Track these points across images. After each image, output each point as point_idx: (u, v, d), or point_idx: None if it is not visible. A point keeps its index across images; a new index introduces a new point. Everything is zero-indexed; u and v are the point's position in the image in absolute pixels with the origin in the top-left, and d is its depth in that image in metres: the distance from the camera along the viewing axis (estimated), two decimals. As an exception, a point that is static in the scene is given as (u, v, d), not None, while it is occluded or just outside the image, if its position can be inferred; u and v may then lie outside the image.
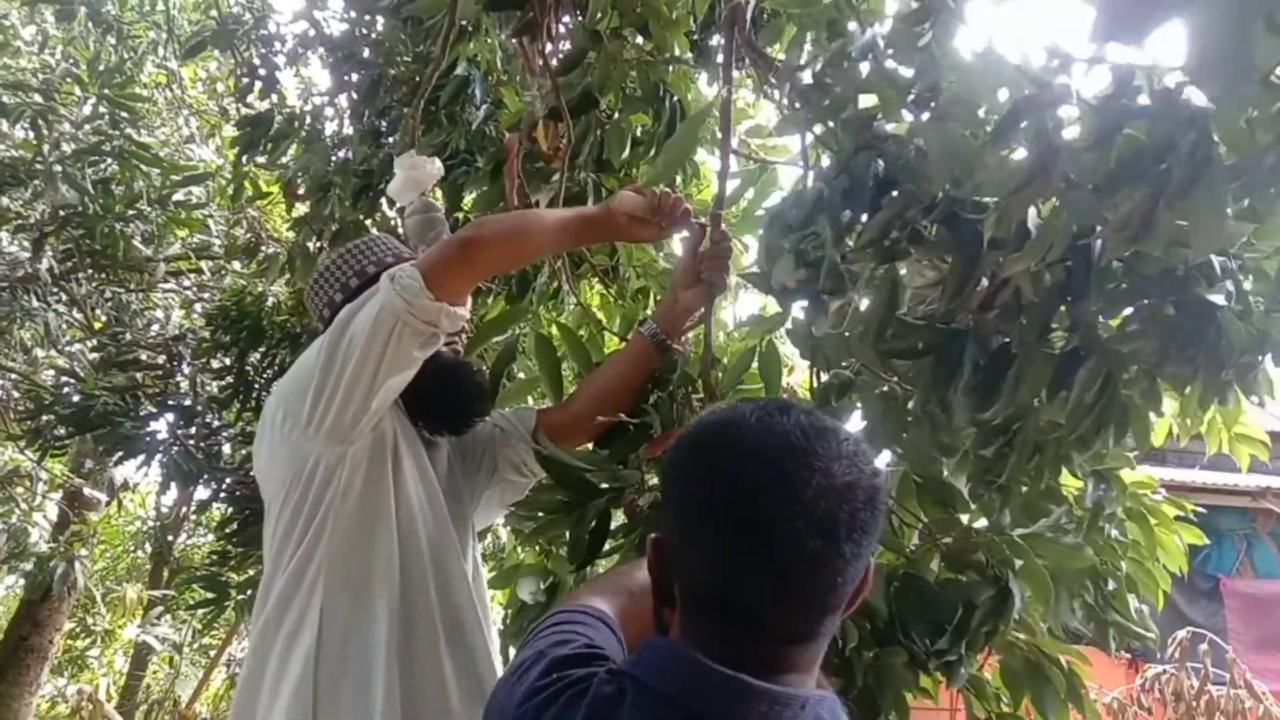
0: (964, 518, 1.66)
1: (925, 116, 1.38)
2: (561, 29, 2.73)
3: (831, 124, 1.53)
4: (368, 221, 4.05)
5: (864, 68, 1.49)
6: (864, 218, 1.40)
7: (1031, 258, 1.16)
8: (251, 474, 5.45)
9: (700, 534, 0.97)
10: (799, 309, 1.56)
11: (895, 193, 1.32)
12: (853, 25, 1.50)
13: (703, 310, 1.99)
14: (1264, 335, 1.35)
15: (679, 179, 2.77)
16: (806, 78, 1.60)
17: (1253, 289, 1.36)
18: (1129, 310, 1.35)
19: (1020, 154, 1.25)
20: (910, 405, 1.49)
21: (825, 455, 0.94)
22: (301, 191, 4.28)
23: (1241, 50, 0.84)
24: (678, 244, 2.72)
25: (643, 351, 1.95)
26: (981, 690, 1.69)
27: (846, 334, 1.50)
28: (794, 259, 1.39)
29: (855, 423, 1.59)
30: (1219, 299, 1.28)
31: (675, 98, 2.37)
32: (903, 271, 1.45)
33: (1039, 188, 1.12)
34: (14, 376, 7.11)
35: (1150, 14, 0.90)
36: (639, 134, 2.62)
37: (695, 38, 2.60)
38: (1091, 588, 1.70)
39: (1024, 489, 1.56)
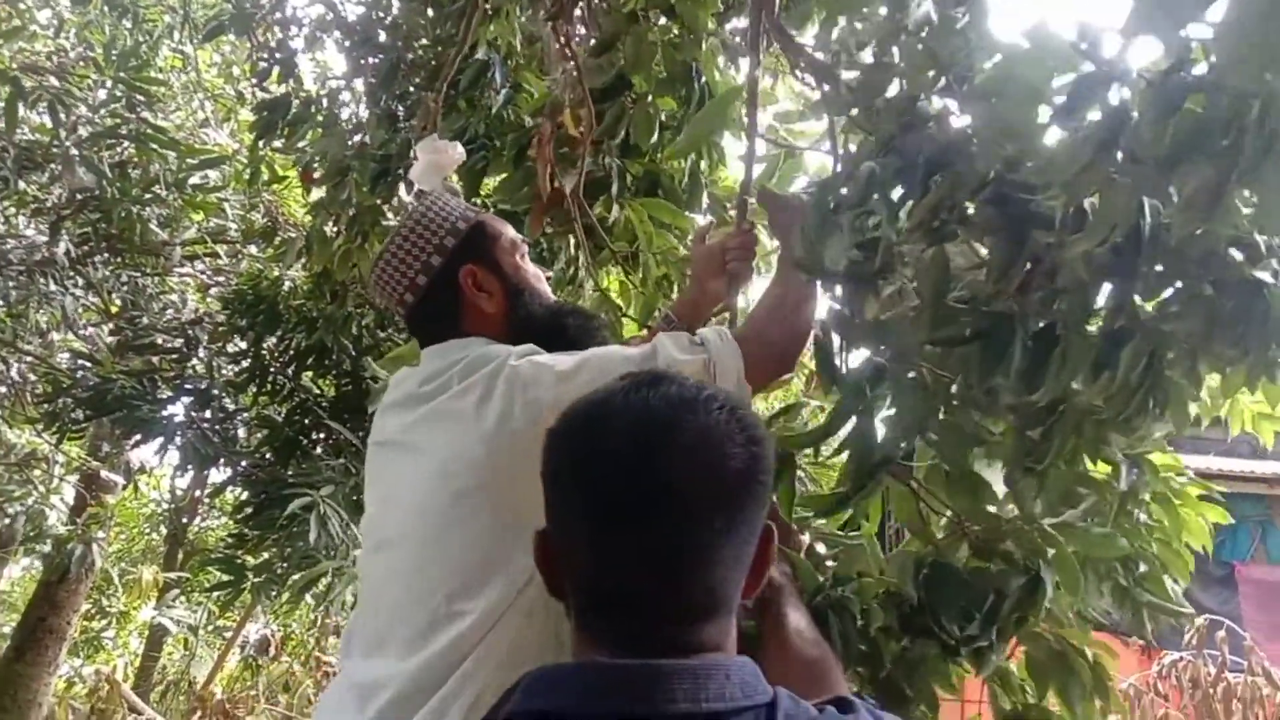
0: (991, 507, 1.65)
1: (966, 97, 1.36)
2: (580, 12, 2.72)
3: (866, 107, 1.51)
4: (385, 207, 4.04)
5: (903, 48, 1.47)
6: (913, 197, 1.38)
7: (1095, 238, 1.15)
8: (267, 457, 5.48)
9: (571, 521, 0.93)
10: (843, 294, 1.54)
11: (944, 173, 1.30)
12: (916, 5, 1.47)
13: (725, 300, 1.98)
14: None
15: (703, 162, 2.76)
16: (859, 58, 1.58)
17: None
18: (1169, 291, 1.33)
19: (1056, 131, 1.24)
20: (953, 390, 1.48)
21: (692, 426, 0.90)
22: (318, 176, 4.27)
23: (1268, 45, 0.83)
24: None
25: None
26: (1007, 682, 1.68)
27: (885, 319, 1.48)
28: (849, 238, 1.37)
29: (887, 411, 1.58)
30: (1266, 276, 1.26)
31: (704, 79, 2.35)
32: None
33: (1105, 164, 1.10)
34: (30, 359, 7.14)
35: (1180, 11, 0.89)
36: (664, 119, 2.61)
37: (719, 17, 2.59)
38: (1122, 570, 1.69)
39: (1058, 474, 1.54)
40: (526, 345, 1.54)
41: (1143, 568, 1.69)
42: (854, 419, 1.55)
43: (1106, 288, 1.31)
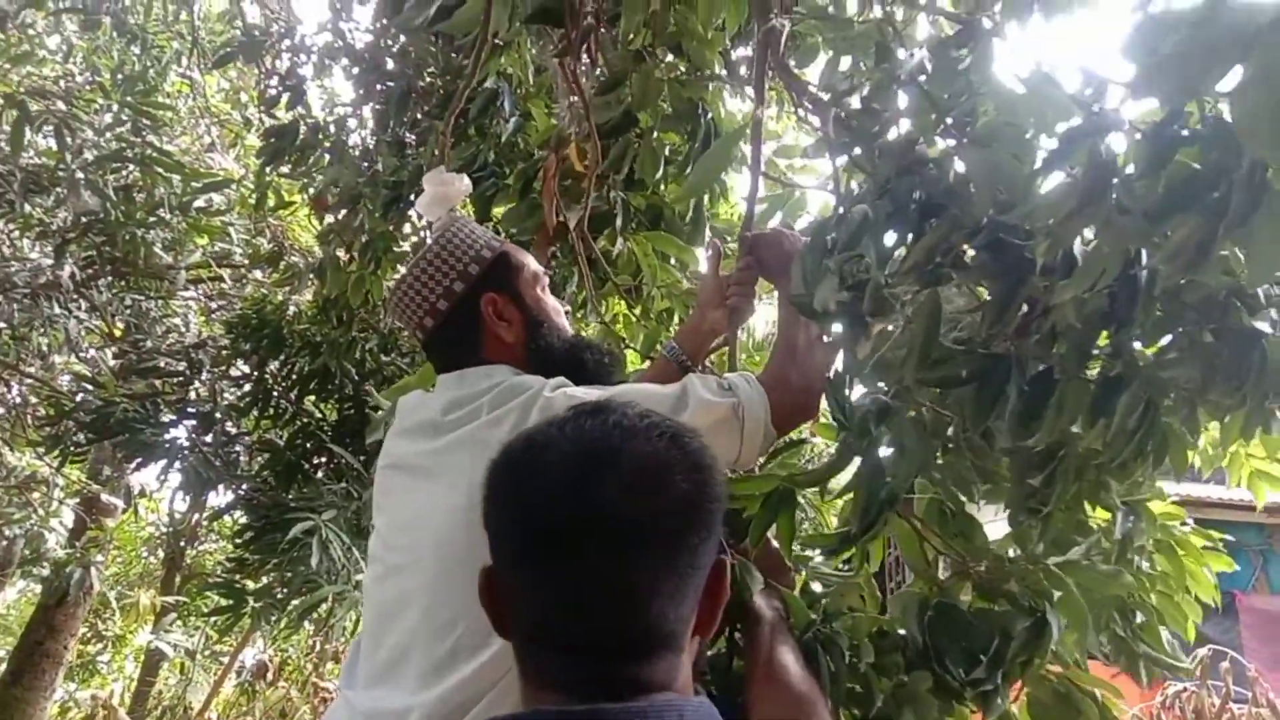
0: (995, 546, 1.65)
1: (965, 142, 1.38)
2: (589, 46, 2.74)
3: (865, 149, 1.53)
4: (396, 233, 4.07)
5: (904, 92, 1.49)
6: (907, 241, 1.39)
7: (1082, 285, 1.16)
8: (269, 481, 5.47)
9: (510, 553, 0.90)
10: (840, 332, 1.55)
11: (940, 217, 1.32)
12: (901, 53, 1.50)
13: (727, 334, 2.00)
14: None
15: (705, 197, 2.79)
16: (846, 102, 1.60)
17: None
18: (1167, 338, 1.34)
19: (1058, 179, 1.25)
20: (950, 432, 1.49)
21: (631, 453, 0.88)
22: (330, 203, 4.30)
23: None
24: (704, 263, 2.74)
25: (668, 375, 1.89)
26: (1009, 724, 1.66)
27: (886, 357, 1.49)
28: (838, 281, 1.38)
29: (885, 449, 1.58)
30: (1264, 326, 1.27)
31: (710, 115, 2.38)
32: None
33: (1092, 213, 1.12)
34: (32, 382, 7.15)
35: (1189, 80, 0.90)
36: (667, 153, 2.64)
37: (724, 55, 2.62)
38: (1120, 619, 1.67)
39: (1061, 519, 1.54)
40: (558, 378, 1.55)
41: (1140, 618, 1.68)
42: (860, 457, 1.55)
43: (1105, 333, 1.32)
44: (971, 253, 1.34)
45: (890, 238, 1.40)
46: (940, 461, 1.52)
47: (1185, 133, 1.11)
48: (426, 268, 1.68)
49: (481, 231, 1.76)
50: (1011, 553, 1.62)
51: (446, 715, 1.29)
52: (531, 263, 1.77)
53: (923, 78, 1.46)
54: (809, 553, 1.74)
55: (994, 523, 1.69)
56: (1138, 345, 1.35)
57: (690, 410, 1.50)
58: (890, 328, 1.48)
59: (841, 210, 1.51)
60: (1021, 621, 1.50)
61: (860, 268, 1.41)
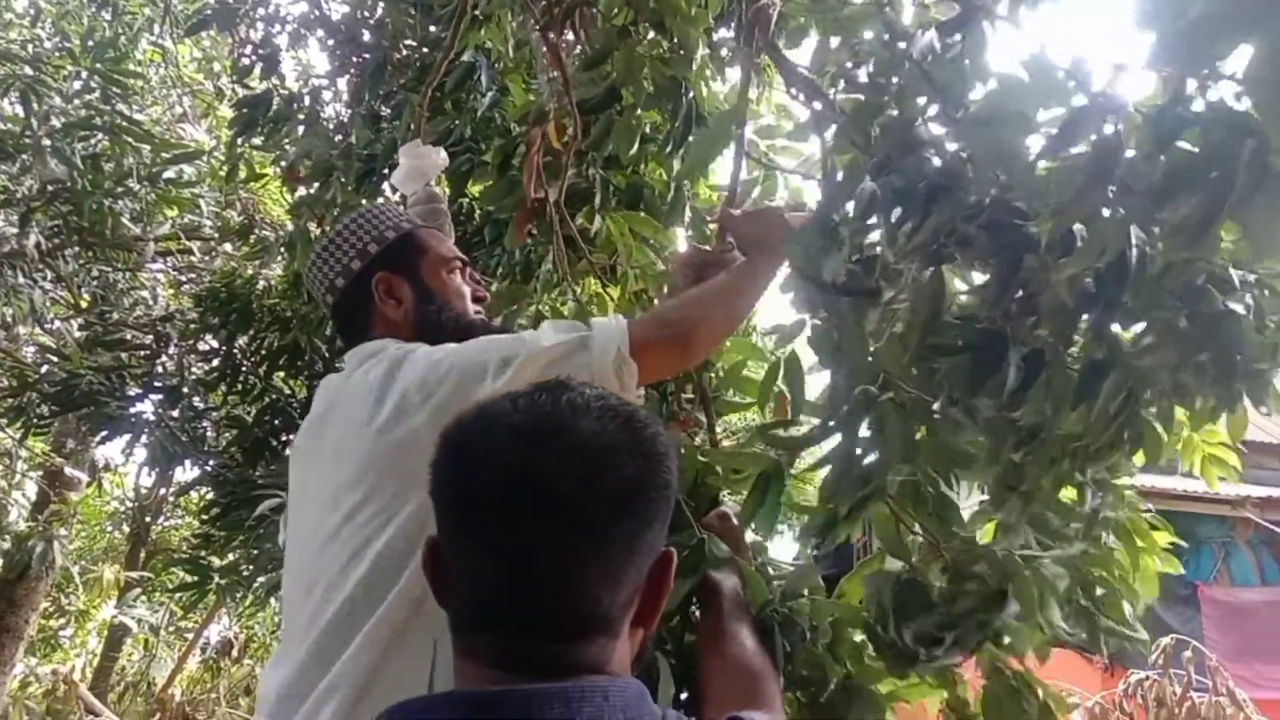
0: (957, 529, 1.65)
1: (964, 120, 1.37)
2: (572, 20, 2.70)
3: (862, 129, 1.51)
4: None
5: (905, 72, 1.47)
6: (911, 220, 1.38)
7: (1083, 263, 1.15)
8: (236, 457, 5.40)
9: (449, 525, 0.90)
10: (836, 309, 1.53)
11: (943, 197, 1.30)
12: (911, 37, 1.48)
13: None
14: (1277, 347, 1.34)
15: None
16: (854, 74, 1.58)
17: (1267, 305, 1.36)
18: (1143, 324, 1.34)
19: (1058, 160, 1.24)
20: (935, 409, 1.47)
21: (578, 433, 0.87)
22: (303, 175, 4.23)
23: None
24: (682, 243, 2.71)
25: None
26: (964, 714, 1.64)
27: (885, 335, 1.48)
28: (848, 252, 1.36)
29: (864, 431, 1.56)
30: (1238, 307, 1.27)
31: (691, 94, 2.35)
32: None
33: (1097, 194, 1.11)
34: (-4, 353, 7.04)
35: (1211, 43, 0.88)
36: (647, 131, 2.60)
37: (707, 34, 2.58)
38: (1082, 591, 1.67)
39: (1039, 501, 1.53)
40: (416, 344, 1.54)
41: (1100, 591, 1.68)
42: (838, 439, 1.53)
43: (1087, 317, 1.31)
44: (972, 232, 1.33)
45: (895, 215, 1.39)
46: (928, 440, 1.50)
47: (1189, 115, 1.10)
48: (328, 245, 1.73)
49: (393, 213, 1.79)
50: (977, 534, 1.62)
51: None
52: (442, 248, 1.78)
53: (930, 58, 1.45)
54: (759, 538, 1.75)
55: (970, 508, 1.69)
56: (1118, 330, 1.34)
57: (528, 350, 1.44)
58: (894, 305, 1.46)
59: (845, 186, 1.48)
60: (984, 589, 1.49)
61: (868, 243, 1.40)
